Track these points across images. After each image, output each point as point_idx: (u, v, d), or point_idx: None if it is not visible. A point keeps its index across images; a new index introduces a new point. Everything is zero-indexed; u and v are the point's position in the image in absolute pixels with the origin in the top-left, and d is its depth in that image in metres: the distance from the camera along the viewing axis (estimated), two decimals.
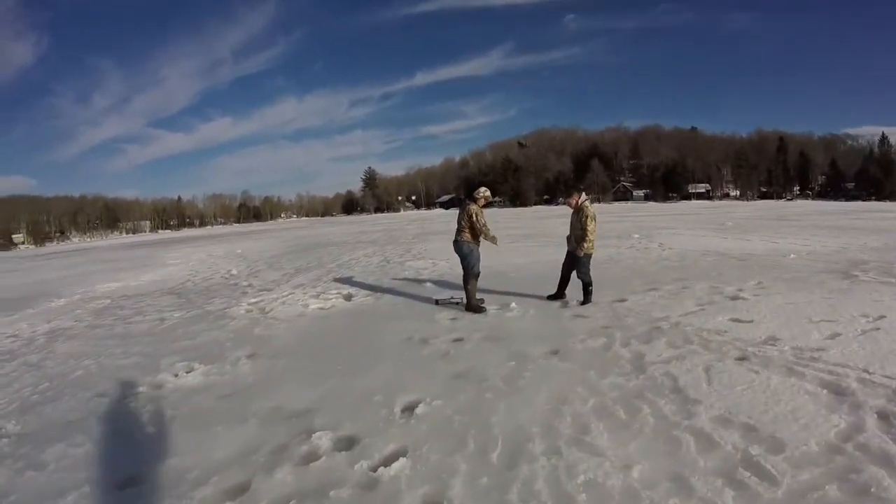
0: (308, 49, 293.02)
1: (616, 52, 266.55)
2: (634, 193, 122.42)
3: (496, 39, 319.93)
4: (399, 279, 11.26)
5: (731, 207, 52.14)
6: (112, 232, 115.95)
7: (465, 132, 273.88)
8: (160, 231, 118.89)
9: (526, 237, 20.70)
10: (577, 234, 7.60)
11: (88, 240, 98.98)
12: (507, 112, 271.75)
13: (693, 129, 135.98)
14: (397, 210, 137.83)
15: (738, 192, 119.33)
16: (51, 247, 79.64)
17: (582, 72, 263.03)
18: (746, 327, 5.74)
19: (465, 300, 7.64)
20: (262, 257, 19.53)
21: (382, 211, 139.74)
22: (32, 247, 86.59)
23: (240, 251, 23.93)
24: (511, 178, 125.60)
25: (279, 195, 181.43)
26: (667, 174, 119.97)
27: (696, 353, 4.91)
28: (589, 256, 7.60)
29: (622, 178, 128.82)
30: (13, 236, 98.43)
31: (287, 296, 9.83)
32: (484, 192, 7.88)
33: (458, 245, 7.70)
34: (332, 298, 9.28)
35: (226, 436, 3.84)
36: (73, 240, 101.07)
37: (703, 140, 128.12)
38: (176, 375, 5.31)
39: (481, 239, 7.71)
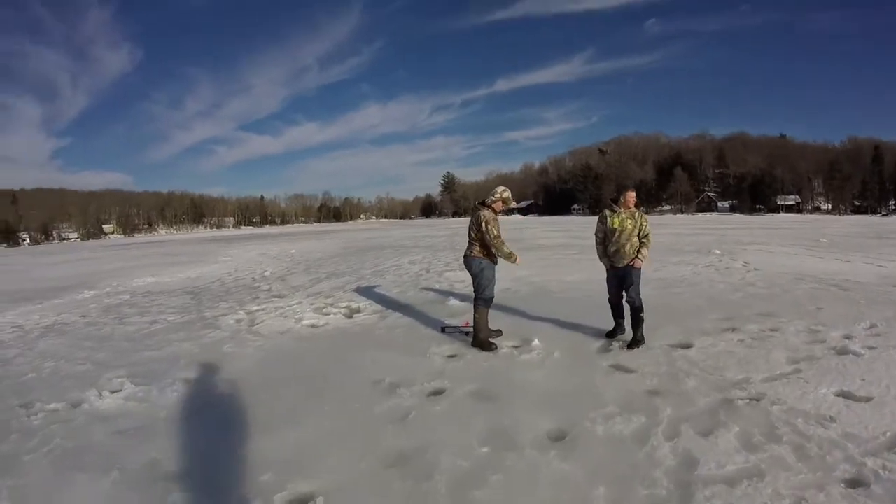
0: (390, 57, 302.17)
1: (699, 56, 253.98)
2: (719, 204, 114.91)
3: (577, 46, 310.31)
4: (426, 291, 9.82)
5: (824, 222, 45.74)
6: (197, 226, 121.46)
7: (545, 138, 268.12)
8: (243, 227, 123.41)
9: (594, 249, 18.35)
10: (633, 241, 5.79)
11: (174, 232, 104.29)
12: (588, 118, 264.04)
13: (782, 136, 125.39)
14: None
15: (830, 206, 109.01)
16: (138, 237, 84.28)
17: (665, 77, 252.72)
18: (863, 411, 3.74)
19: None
20: (308, 259, 18.72)
21: (460, 215, 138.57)
22: (122, 237, 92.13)
23: (294, 251, 23.38)
24: (591, 186, 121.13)
25: (360, 197, 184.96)
26: (754, 184, 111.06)
27: (784, 466, 3.01)
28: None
29: (706, 188, 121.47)
30: (104, 227, 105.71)
31: (295, 305, 8.78)
32: (502, 192, 6.04)
33: (467, 261, 6.01)
34: (334, 313, 8.02)
35: (71, 492, 3.13)
36: (160, 232, 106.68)
37: (792, 148, 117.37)
38: (100, 394, 4.72)
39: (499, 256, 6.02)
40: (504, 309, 7.78)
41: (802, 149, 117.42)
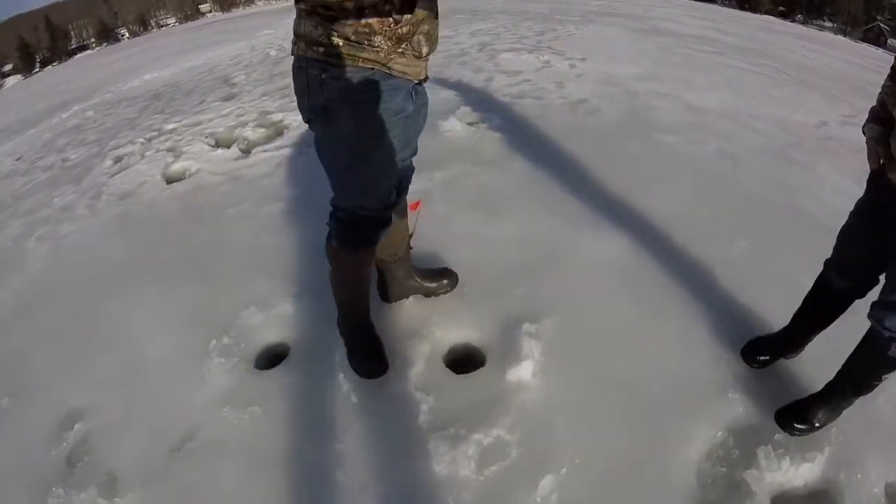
0: None
1: None
2: (889, 41, 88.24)
3: None
4: (435, 89, 5.33)
5: None
6: None
7: None
8: None
9: (736, 50, 9.77)
10: None
11: (272, 2, 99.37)
12: None
13: None
14: None
15: None
16: (236, 12, 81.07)
17: None
18: None
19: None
20: None
21: None
22: (219, 13, 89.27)
23: None
24: None
25: None
26: None
27: None
28: None
29: (879, 17, 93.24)
30: (199, 6, 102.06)
31: (218, 118, 5.77)
32: None
33: (295, 75, 1.57)
34: (241, 139, 4.93)
35: None
36: (258, 3, 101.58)
37: None
38: None
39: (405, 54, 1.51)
40: (531, 159, 3.65)
41: None
